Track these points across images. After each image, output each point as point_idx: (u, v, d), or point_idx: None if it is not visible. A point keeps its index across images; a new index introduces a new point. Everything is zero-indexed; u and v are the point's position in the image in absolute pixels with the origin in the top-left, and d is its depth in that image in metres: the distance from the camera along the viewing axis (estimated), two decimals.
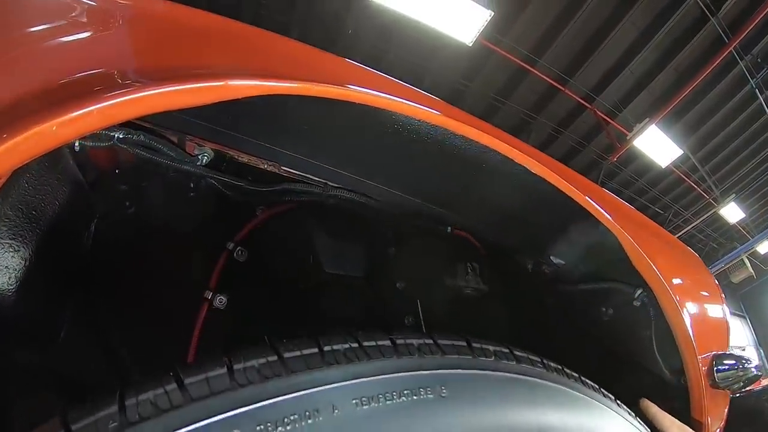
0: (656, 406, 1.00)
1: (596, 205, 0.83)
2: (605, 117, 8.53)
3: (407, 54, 7.95)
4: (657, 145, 7.84)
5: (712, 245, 13.72)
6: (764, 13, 6.39)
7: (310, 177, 1.02)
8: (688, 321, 0.89)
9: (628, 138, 7.84)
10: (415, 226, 1.11)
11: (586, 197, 0.82)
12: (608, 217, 0.84)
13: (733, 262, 11.57)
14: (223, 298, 1.03)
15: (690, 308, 0.94)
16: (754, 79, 7.86)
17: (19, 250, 0.83)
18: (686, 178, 9.91)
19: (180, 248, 1.03)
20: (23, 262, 0.84)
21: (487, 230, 1.24)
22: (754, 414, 3.04)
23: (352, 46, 7.86)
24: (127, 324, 1.05)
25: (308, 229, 1.10)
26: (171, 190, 1.04)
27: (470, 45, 6.73)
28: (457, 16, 6.22)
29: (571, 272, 1.34)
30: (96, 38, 0.58)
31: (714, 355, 0.97)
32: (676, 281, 0.95)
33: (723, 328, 1.13)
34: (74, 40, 0.57)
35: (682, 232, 11.39)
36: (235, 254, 1.03)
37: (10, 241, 0.83)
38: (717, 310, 1.15)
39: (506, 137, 0.91)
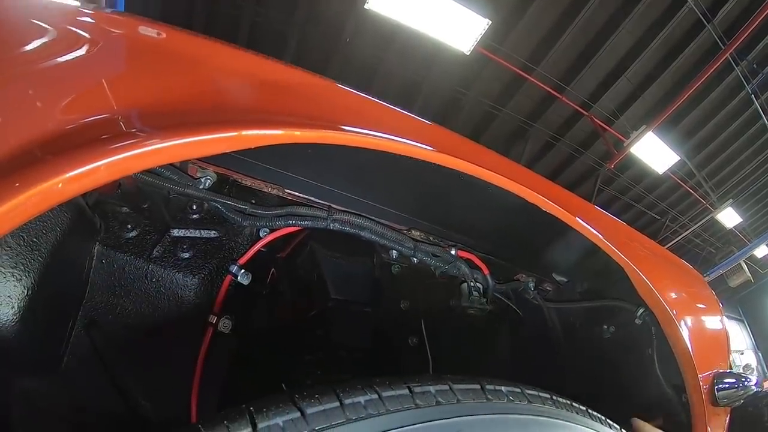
0: (648, 425, 1.00)
1: (603, 238, 0.84)
2: (602, 124, 8.57)
3: (405, 62, 7.98)
4: (654, 152, 7.87)
5: (710, 250, 13.74)
6: (760, 18, 6.43)
7: (314, 199, 1.02)
8: (689, 343, 0.89)
9: (625, 145, 7.87)
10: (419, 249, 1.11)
11: (593, 230, 0.83)
12: (614, 249, 0.84)
13: (731, 267, 11.59)
14: (228, 323, 1.02)
15: (691, 329, 0.94)
16: (750, 85, 7.90)
17: (21, 279, 0.83)
18: (683, 184, 9.94)
19: (182, 273, 1.01)
20: (25, 291, 0.83)
21: (490, 250, 1.24)
22: (754, 418, 3.04)
23: (351, 54, 7.89)
24: (129, 350, 1.03)
25: (313, 254, 1.09)
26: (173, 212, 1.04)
27: (468, 54, 6.77)
28: (455, 25, 6.26)
29: (573, 290, 1.34)
30: (99, 79, 0.58)
31: (715, 374, 0.98)
32: (678, 303, 0.95)
33: (723, 344, 1.13)
34: (75, 82, 0.57)
35: (680, 237, 11.43)
36: (238, 278, 1.02)
37: (11, 270, 0.82)
38: (717, 326, 1.16)
39: (507, 164, 0.92)
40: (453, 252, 1.12)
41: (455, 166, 0.74)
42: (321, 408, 0.56)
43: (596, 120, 8.51)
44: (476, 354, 1.34)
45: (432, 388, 0.63)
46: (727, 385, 0.97)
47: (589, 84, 8.20)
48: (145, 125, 0.51)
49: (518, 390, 0.72)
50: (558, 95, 8.27)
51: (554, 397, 0.75)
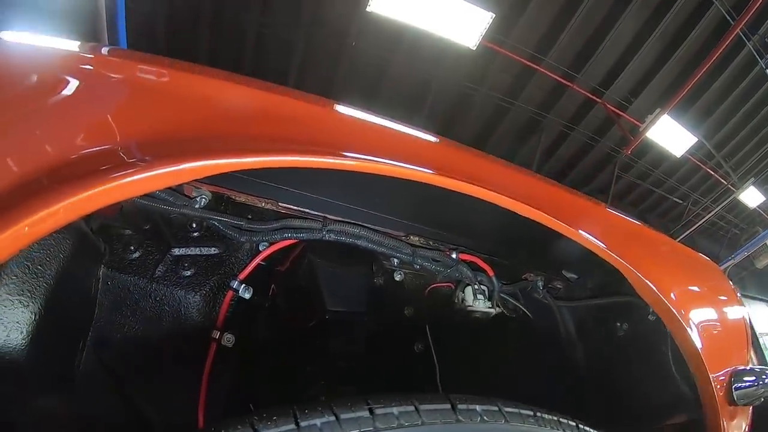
0: None
1: (596, 241, 0.83)
2: (616, 110, 8.42)
3: (413, 61, 7.96)
4: (670, 135, 7.71)
5: (735, 231, 13.39)
6: None
7: (308, 211, 1.02)
8: (698, 341, 0.87)
9: (640, 130, 7.72)
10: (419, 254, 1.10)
11: (587, 235, 0.82)
12: (607, 250, 0.83)
13: (757, 248, 11.27)
14: (231, 337, 1.03)
15: (701, 326, 0.91)
16: (763, 60, 7.66)
17: (28, 305, 0.86)
18: (702, 165, 9.71)
19: (184, 290, 1.03)
20: (33, 316, 0.86)
21: (494, 251, 1.22)
22: None
23: (358, 57, 7.90)
24: (138, 367, 1.05)
25: (311, 265, 1.09)
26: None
27: (474, 48, 6.72)
28: (459, 21, 6.22)
29: (583, 286, 1.32)
30: (101, 114, 0.60)
31: (733, 371, 0.94)
32: (685, 300, 0.93)
33: (741, 339, 1.09)
34: (78, 119, 0.59)
35: (703, 220, 11.15)
36: (240, 292, 1.03)
37: (18, 297, 0.85)
38: (735, 319, 1.12)
39: (506, 172, 0.91)
40: (454, 256, 1.11)
41: (455, 188, 0.75)
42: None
43: (609, 106, 8.36)
44: (485, 358, 1.32)
45: (395, 410, 0.62)
46: (746, 384, 0.93)
47: (599, 70, 8.07)
48: (142, 154, 0.54)
49: (495, 408, 0.70)
50: (568, 84, 8.16)
51: (538, 414, 0.73)
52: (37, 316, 0.88)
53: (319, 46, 7.87)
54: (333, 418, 0.58)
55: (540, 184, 1.02)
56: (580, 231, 0.82)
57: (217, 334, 1.03)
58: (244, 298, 1.03)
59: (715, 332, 0.97)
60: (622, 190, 10.68)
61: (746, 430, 1.08)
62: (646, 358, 1.14)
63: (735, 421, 0.97)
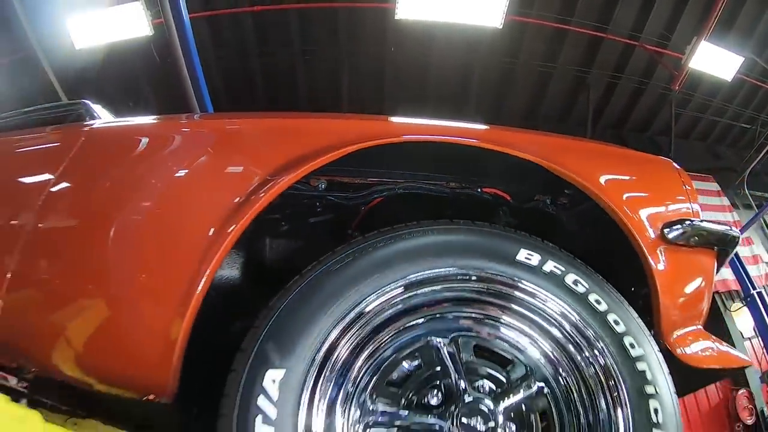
0: None
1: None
2: (656, 48, 8.45)
3: (450, 54, 8.51)
4: (715, 60, 7.65)
5: None
6: None
7: (382, 179, 1.64)
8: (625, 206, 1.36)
9: (682, 63, 7.74)
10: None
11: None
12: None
13: None
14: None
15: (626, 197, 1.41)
16: None
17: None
18: (762, 84, 9.34)
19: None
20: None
21: (510, 183, 1.74)
22: None
23: (400, 61, 8.58)
24: None
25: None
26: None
27: (501, 27, 7.18)
28: (478, 4, 6.70)
29: (574, 198, 1.82)
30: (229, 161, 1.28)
31: (663, 224, 1.36)
32: (620, 188, 1.42)
33: (670, 194, 1.47)
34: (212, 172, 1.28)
35: None
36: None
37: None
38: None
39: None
40: (479, 190, 1.69)
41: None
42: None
43: (648, 47, 8.41)
44: None
45: None
46: (676, 229, 1.31)
47: (628, 15, 8.16)
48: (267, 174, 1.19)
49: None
50: (603, 35, 8.33)
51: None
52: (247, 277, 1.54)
53: (361, 60, 8.62)
54: None
55: (537, 137, 1.59)
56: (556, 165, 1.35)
57: None
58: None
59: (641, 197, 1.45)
60: (686, 126, 10.46)
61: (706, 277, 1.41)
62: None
63: (679, 261, 1.33)
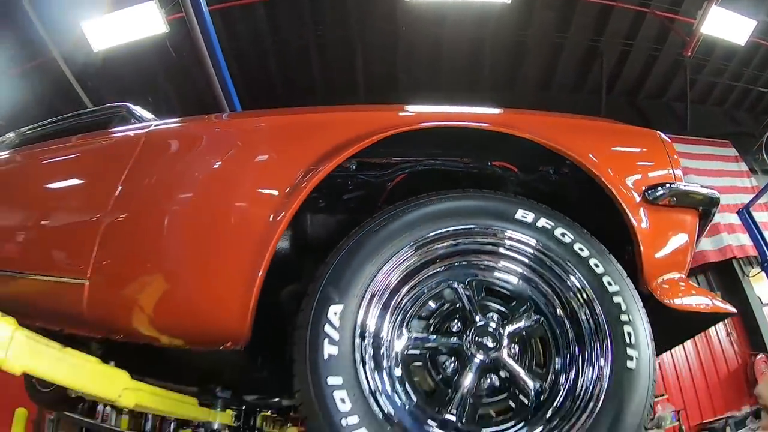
0: None
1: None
2: (667, 14, 8.42)
3: (462, 31, 8.63)
4: (727, 25, 7.62)
5: None
6: None
7: (404, 158, 1.87)
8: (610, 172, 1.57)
9: (694, 28, 7.72)
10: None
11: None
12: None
13: None
14: None
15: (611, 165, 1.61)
16: None
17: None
18: None
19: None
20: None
21: (516, 158, 1.95)
22: None
23: (413, 41, 8.79)
24: None
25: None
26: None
27: (509, 1, 7.26)
28: None
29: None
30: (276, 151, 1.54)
31: (645, 187, 1.54)
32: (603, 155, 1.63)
33: (653, 161, 1.67)
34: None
35: None
36: None
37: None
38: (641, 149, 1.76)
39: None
40: (489, 164, 1.91)
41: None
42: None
43: (659, 12, 8.38)
44: None
45: None
46: (657, 191, 1.51)
47: None
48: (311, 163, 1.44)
49: None
50: (613, 3, 8.34)
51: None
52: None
53: (374, 41, 8.77)
54: None
55: (537, 117, 1.78)
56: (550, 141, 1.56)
57: None
58: None
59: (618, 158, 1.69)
60: (703, 91, 10.38)
61: (689, 234, 1.59)
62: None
63: (661, 218, 1.53)
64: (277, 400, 2.59)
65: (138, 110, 2.67)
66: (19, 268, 1.87)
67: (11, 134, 2.98)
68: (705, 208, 1.64)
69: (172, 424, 6.55)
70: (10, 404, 4.46)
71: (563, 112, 1.86)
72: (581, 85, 10.09)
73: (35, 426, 6.17)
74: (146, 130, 1.92)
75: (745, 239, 8.05)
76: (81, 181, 1.94)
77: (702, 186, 1.69)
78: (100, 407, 6.76)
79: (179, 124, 1.95)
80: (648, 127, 1.92)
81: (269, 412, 3.46)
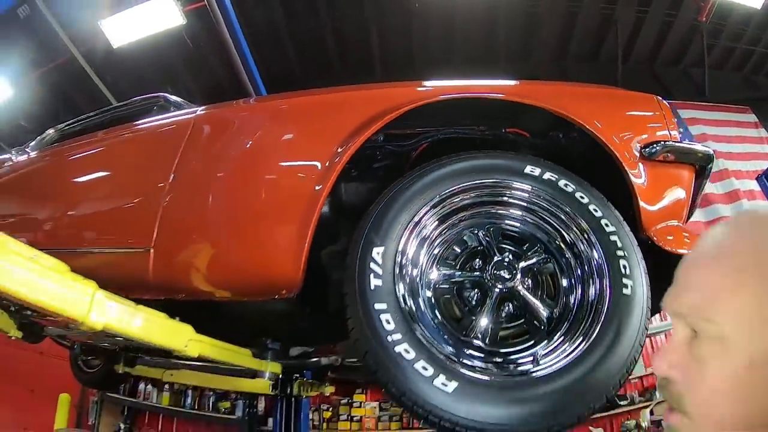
0: None
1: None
2: None
3: (475, 3, 8.65)
4: None
5: None
6: None
7: (426, 128, 2.05)
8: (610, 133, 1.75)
9: None
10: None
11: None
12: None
13: None
14: None
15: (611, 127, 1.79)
16: None
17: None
18: None
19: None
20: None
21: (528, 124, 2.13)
22: None
23: (427, 16, 8.87)
24: None
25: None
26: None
27: None
28: None
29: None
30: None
31: (642, 145, 1.72)
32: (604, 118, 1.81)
33: (650, 122, 1.84)
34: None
35: None
36: None
37: None
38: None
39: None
40: (503, 131, 2.09)
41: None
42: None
43: None
44: None
45: None
46: (653, 148, 1.69)
47: None
48: (346, 137, 1.68)
49: None
50: None
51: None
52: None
53: (388, 20, 8.90)
54: None
55: (546, 87, 1.98)
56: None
57: None
58: None
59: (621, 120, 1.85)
60: (721, 57, 10.23)
61: (686, 187, 1.76)
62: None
63: (658, 175, 1.70)
64: (316, 359, 2.85)
65: (175, 99, 2.90)
66: (90, 245, 2.15)
67: (50, 131, 3.22)
68: (701, 164, 1.78)
69: (212, 399, 6.97)
70: (54, 391, 4.86)
71: (578, 82, 2.03)
72: (597, 54, 10.04)
73: (78, 410, 6.62)
74: (194, 114, 2.15)
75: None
76: (140, 164, 2.19)
77: (697, 143, 1.85)
78: (141, 386, 7.21)
79: (222, 108, 2.18)
80: (666, 94, 2.10)
81: (305, 379, 3.69)
